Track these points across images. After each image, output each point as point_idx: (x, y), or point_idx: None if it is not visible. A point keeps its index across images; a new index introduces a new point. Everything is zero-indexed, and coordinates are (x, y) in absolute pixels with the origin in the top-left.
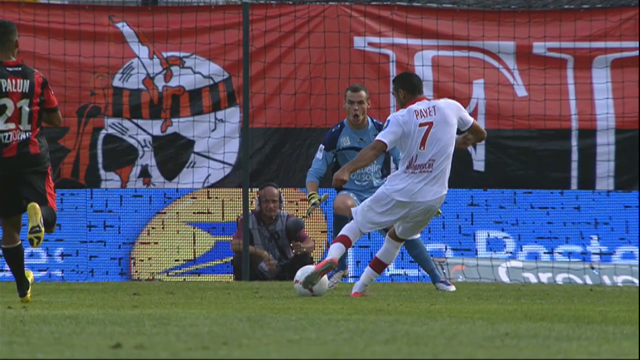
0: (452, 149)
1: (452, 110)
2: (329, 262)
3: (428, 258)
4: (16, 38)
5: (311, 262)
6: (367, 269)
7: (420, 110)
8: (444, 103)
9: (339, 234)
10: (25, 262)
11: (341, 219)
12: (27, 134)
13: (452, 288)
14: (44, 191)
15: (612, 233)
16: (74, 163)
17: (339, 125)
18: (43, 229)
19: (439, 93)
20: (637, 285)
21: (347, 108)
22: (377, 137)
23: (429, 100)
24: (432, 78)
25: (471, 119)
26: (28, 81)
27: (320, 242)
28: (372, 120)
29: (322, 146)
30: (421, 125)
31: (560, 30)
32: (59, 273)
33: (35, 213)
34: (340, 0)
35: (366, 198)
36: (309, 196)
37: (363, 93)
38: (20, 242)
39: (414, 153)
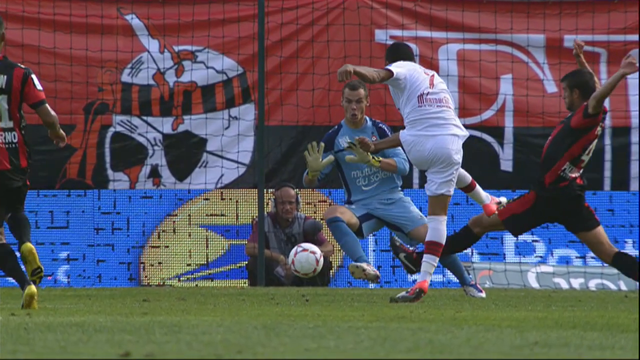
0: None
1: None
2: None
3: (460, 265)
4: (2, 31)
5: (330, 267)
6: (425, 256)
7: (421, 66)
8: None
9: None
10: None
11: (332, 222)
12: (12, 134)
13: (482, 294)
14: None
15: None
16: (80, 162)
17: (336, 127)
18: (42, 267)
19: (465, 89)
20: None
21: (345, 107)
22: (385, 67)
23: None
24: (457, 73)
25: None
26: (5, 76)
27: (338, 246)
28: (370, 120)
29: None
30: (425, 73)
31: (593, 22)
32: (64, 278)
33: (32, 257)
34: None
35: (376, 204)
36: (309, 175)
37: (362, 91)
38: (4, 240)
39: (425, 90)
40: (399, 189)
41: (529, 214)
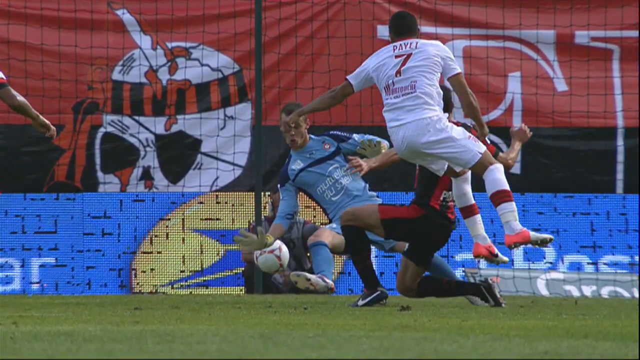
0: (435, 87)
1: (434, 47)
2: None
3: (446, 268)
4: None
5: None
6: (497, 210)
7: (400, 44)
8: (428, 42)
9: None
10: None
11: (312, 246)
12: None
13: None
14: None
15: None
16: (69, 164)
17: (286, 159)
18: None
19: (471, 87)
20: None
21: (284, 134)
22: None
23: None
24: (463, 71)
25: (456, 70)
26: None
27: (338, 253)
28: (315, 136)
29: (278, 186)
30: (397, 56)
31: (606, 17)
32: (52, 285)
33: None
34: None
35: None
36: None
37: None
38: None
39: (390, 80)
40: (368, 190)
41: (415, 223)
